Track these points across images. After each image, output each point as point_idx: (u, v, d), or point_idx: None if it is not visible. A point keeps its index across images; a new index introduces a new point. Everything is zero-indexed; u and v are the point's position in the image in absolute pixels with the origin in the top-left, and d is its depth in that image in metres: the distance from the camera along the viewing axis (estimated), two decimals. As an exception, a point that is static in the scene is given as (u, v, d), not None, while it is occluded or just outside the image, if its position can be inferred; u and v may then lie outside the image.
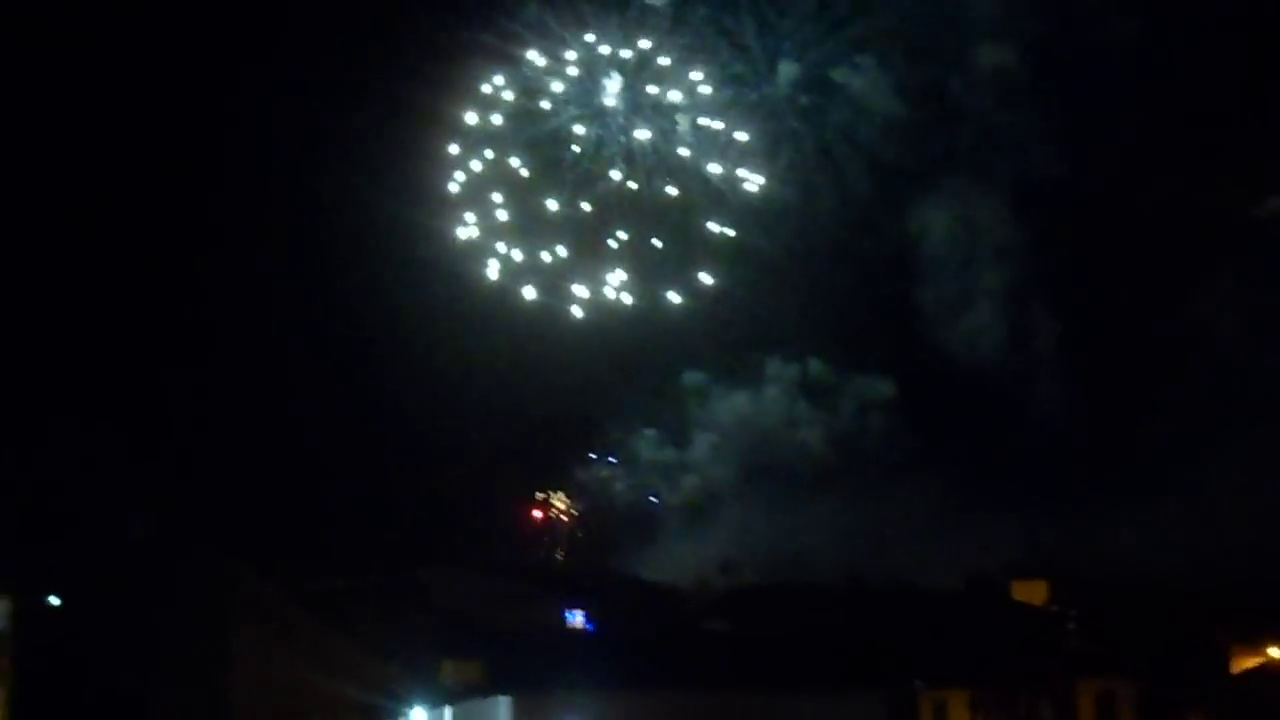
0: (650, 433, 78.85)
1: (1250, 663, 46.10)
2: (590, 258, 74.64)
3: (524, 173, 74.99)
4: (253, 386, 70.94)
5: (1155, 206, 70.98)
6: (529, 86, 74.97)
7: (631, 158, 74.98)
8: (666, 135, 75.56)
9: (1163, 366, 70.02)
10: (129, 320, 72.82)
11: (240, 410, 70.16)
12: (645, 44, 75.03)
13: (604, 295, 73.87)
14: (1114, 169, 71.44)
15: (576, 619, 63.04)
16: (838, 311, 75.86)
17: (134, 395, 68.70)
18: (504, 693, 47.71)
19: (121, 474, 60.82)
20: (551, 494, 79.82)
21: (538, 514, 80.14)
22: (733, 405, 76.90)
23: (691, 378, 77.37)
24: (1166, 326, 68.58)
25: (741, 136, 75.67)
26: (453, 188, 73.79)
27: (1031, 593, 67.43)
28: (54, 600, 53.22)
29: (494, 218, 74.25)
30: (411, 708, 50.21)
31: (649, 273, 74.16)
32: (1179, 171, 69.82)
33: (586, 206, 74.99)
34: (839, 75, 77.43)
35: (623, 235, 75.25)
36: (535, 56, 74.21)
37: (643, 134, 75.37)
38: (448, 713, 50.62)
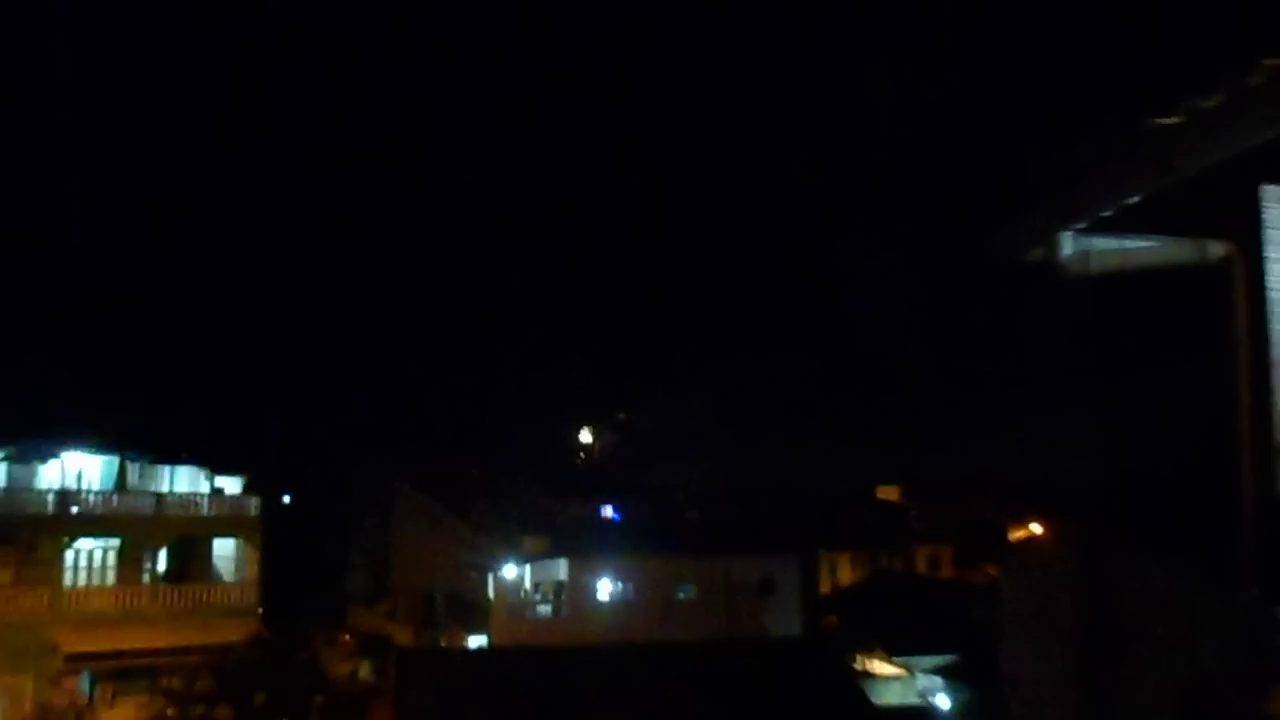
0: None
1: (1021, 534, 47.11)
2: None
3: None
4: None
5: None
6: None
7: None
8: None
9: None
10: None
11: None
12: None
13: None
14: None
15: (607, 510, 63.19)
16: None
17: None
18: (563, 556, 48.33)
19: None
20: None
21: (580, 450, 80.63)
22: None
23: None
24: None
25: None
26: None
27: (889, 493, 68.77)
28: (286, 499, 55.05)
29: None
30: (505, 565, 50.89)
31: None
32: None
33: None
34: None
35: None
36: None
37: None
38: (528, 568, 50.64)
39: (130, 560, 41.56)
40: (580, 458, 79.31)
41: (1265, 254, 5.03)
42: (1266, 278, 5.01)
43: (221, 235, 70.47)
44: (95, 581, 40.89)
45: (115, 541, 41.34)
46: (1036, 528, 43.41)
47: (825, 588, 53.98)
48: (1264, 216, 5.02)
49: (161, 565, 43.19)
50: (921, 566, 59.95)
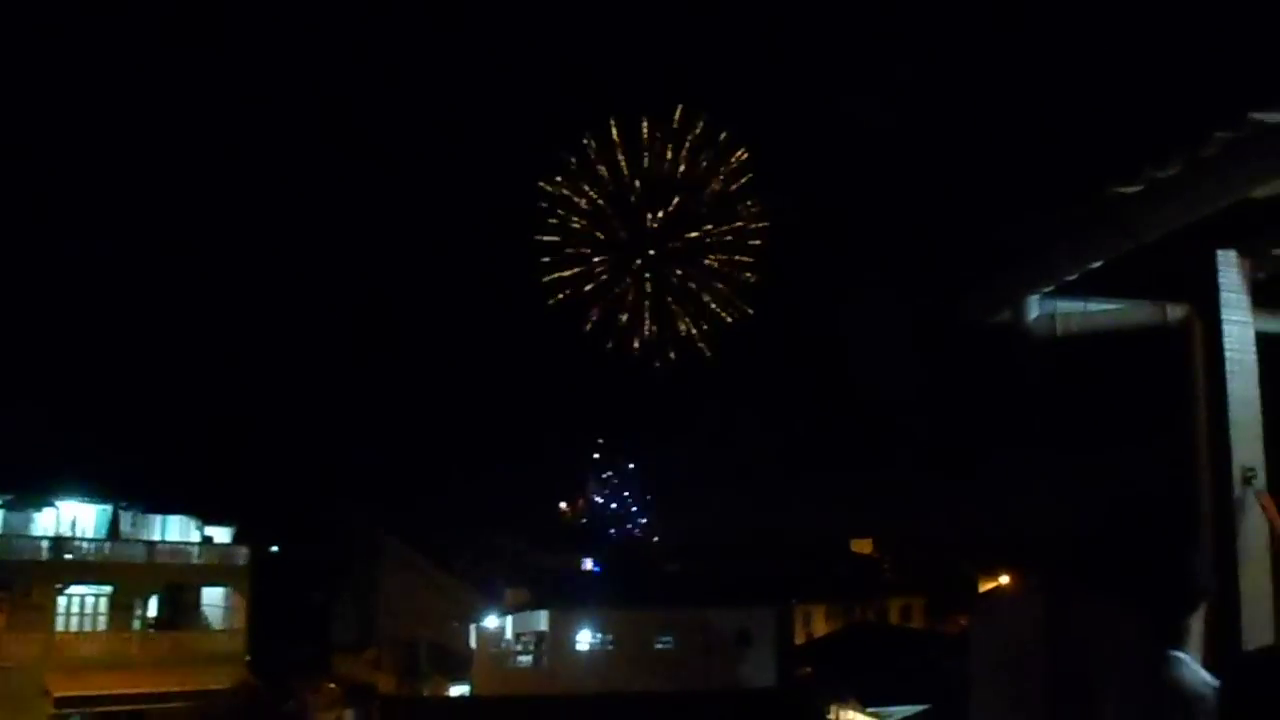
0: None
1: (990, 585, 47.10)
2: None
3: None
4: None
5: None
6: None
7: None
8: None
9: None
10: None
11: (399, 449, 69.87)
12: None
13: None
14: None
15: (587, 563, 63.32)
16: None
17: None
18: (544, 607, 47.87)
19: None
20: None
21: (563, 506, 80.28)
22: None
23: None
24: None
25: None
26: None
27: (862, 546, 68.74)
28: (274, 548, 54.69)
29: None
30: (487, 615, 50.56)
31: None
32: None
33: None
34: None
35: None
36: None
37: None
38: (509, 619, 50.13)
39: (122, 607, 41.31)
40: (562, 512, 79.21)
41: (1221, 316, 5.11)
42: (1223, 339, 5.10)
43: (214, 287, 70.20)
44: (87, 627, 40.55)
45: (107, 588, 41.10)
46: (1005, 579, 43.50)
47: (800, 638, 53.66)
48: (1220, 280, 5.12)
49: (152, 612, 43.03)
50: (894, 617, 59.79)
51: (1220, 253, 5.13)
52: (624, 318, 73.04)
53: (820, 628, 57.33)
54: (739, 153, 69.79)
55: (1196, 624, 3.33)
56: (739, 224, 70.99)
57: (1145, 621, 3.28)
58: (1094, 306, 5.80)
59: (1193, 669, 3.20)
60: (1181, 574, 3.31)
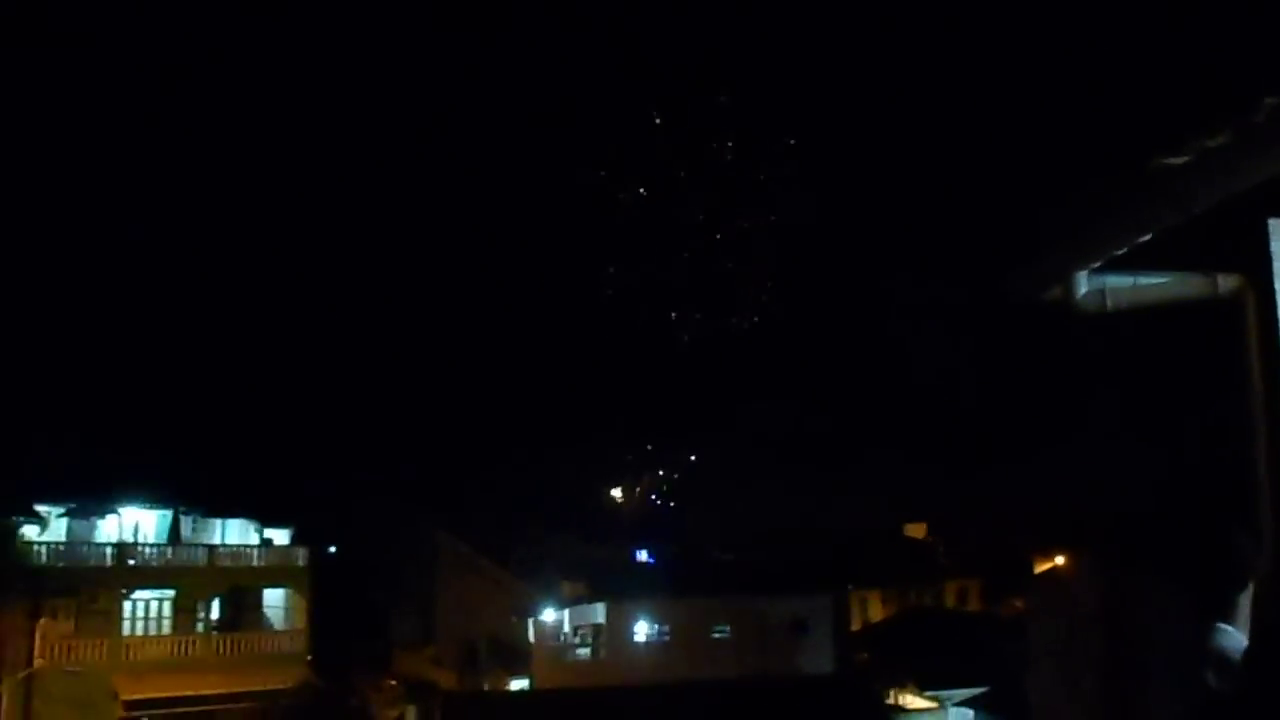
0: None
1: (1045, 566, 46.62)
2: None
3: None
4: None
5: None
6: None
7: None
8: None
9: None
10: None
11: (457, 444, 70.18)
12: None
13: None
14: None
15: (642, 555, 63.47)
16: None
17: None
18: (600, 600, 48.29)
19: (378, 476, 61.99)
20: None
21: (617, 495, 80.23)
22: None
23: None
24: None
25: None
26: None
27: (916, 530, 68.18)
28: (332, 549, 55.19)
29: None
30: (544, 609, 50.92)
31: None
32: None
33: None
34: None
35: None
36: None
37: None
38: (566, 612, 50.60)
39: (184, 610, 41.82)
40: (616, 503, 79.13)
41: (1275, 286, 5.00)
42: (1278, 310, 4.98)
43: (268, 287, 70.35)
44: (152, 631, 41.24)
45: (170, 592, 41.66)
46: (1061, 560, 43.04)
47: (856, 625, 53.46)
48: (1272, 249, 5.01)
49: (215, 614, 43.45)
50: (950, 601, 59.35)
51: (1272, 221, 5.02)
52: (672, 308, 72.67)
53: (876, 613, 57.05)
54: (784, 139, 68.98)
55: (1245, 601, 3.35)
56: (771, 211, 70.21)
57: (1194, 599, 3.30)
58: (1144, 280, 5.68)
59: (1240, 641, 3.22)
60: (1229, 552, 3.33)
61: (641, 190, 69.75)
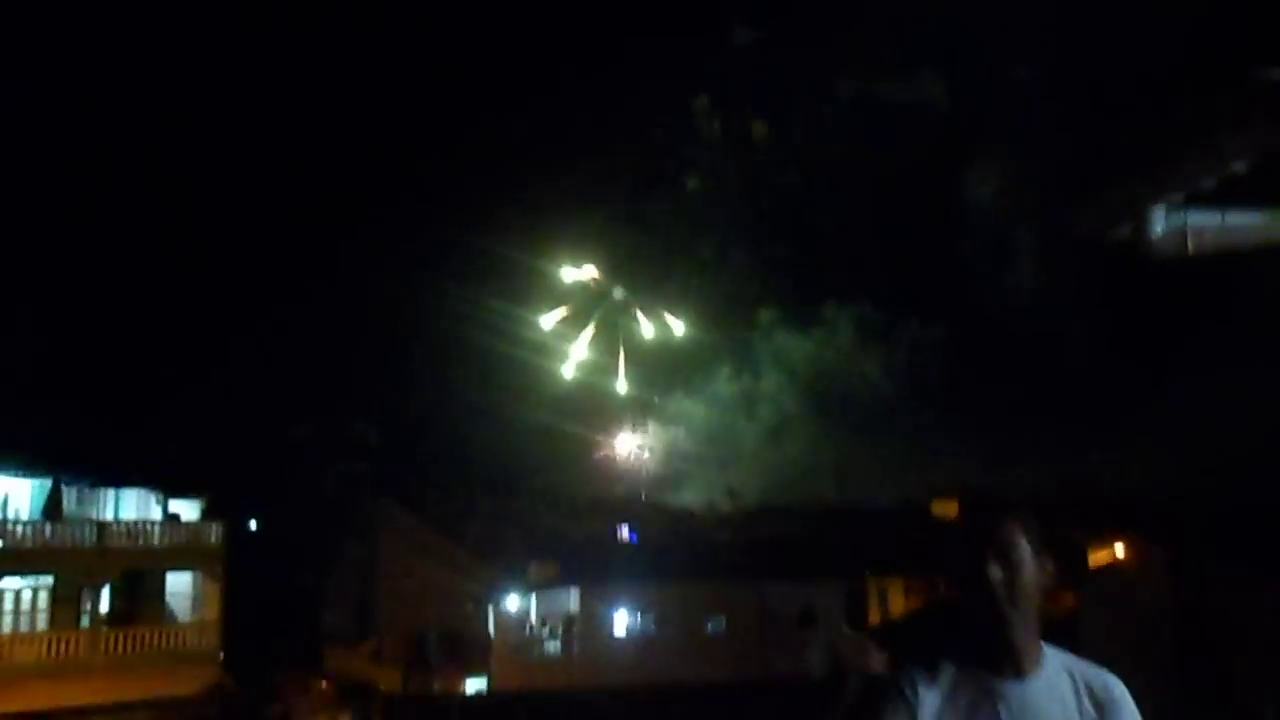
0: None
1: (1102, 556, 46.77)
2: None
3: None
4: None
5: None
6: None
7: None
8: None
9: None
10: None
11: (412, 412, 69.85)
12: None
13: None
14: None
15: (623, 532, 63.19)
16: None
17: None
18: (574, 584, 48.72)
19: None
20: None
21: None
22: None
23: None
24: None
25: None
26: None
27: (947, 508, 68.36)
28: (252, 524, 55.14)
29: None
30: (507, 595, 51.14)
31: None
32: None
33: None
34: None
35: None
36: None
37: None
38: (533, 599, 50.99)
39: (65, 600, 40.92)
40: (595, 466, 79.25)
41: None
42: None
43: (167, 203, 69.18)
44: (23, 627, 40.30)
45: (48, 579, 40.87)
46: (1122, 550, 43.17)
47: (875, 617, 53.76)
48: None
49: (104, 605, 42.89)
50: (986, 593, 59.70)
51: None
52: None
53: (898, 605, 57.38)
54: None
55: None
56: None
57: None
58: (1233, 219, 5.60)
59: None
60: None
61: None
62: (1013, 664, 3.39)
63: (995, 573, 3.30)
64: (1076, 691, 3.36)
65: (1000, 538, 3.34)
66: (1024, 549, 3.32)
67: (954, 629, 3.58)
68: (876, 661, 3.91)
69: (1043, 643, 3.47)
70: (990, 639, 3.36)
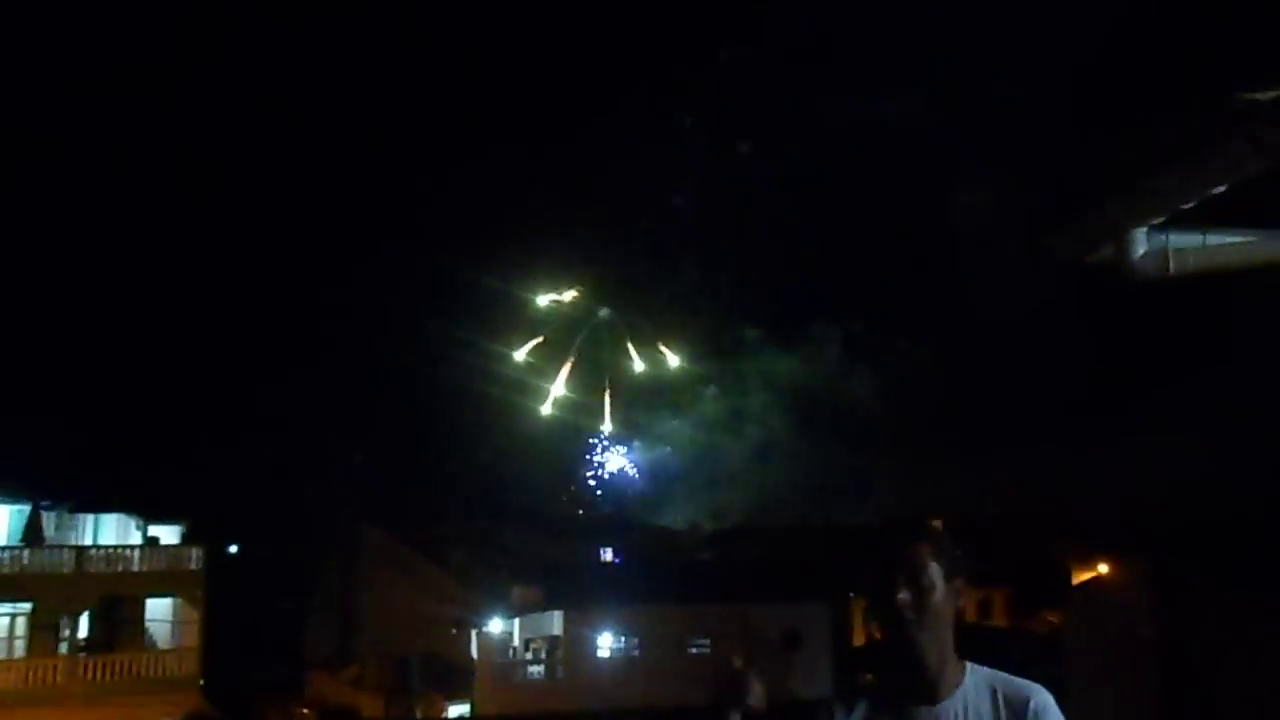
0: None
1: (1086, 575, 46.82)
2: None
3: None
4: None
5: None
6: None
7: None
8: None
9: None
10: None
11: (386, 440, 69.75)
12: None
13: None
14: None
15: (607, 554, 63.41)
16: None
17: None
18: (557, 608, 48.38)
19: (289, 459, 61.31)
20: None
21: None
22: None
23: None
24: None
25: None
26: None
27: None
28: (232, 548, 54.91)
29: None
30: (490, 619, 51.16)
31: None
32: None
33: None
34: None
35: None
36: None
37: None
38: (517, 623, 50.87)
39: (44, 627, 40.74)
40: (575, 492, 79.04)
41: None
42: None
43: (151, 236, 69.12)
44: (1, 655, 40.28)
45: (26, 606, 40.73)
46: (1105, 569, 43.26)
47: (859, 639, 53.75)
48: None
49: (83, 632, 42.68)
50: (972, 614, 59.64)
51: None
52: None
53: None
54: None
55: None
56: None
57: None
58: (1215, 239, 5.65)
59: None
60: None
61: None
62: (925, 687, 3.40)
63: (904, 596, 3.34)
64: (995, 707, 3.39)
65: (910, 560, 3.38)
66: (934, 572, 3.36)
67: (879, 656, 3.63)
68: (756, 695, 3.93)
69: (968, 663, 3.44)
70: (901, 663, 3.41)
